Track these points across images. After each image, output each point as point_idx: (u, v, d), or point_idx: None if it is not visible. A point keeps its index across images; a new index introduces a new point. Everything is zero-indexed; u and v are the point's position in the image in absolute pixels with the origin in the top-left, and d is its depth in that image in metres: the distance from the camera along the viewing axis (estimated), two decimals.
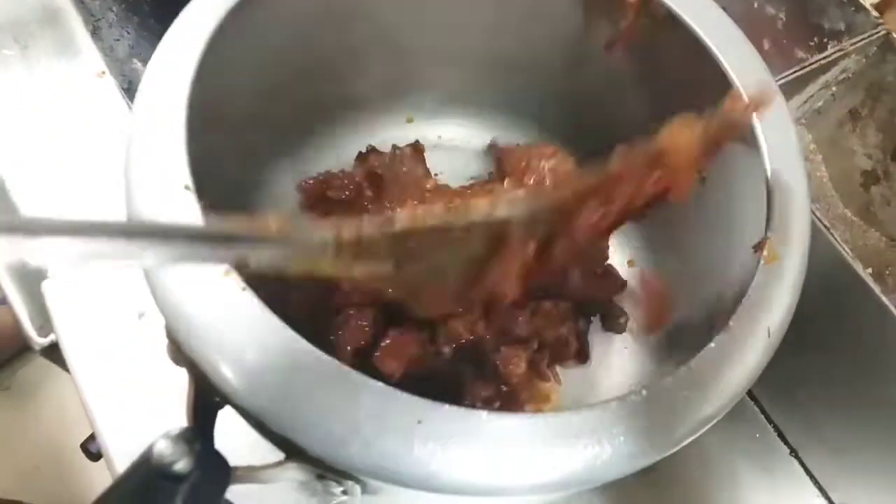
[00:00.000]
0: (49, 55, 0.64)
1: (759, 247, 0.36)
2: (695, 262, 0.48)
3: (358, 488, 0.30)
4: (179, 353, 0.29)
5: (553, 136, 0.58)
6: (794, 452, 0.53)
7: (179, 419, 0.47)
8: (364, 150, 0.55)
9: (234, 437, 0.32)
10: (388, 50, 0.52)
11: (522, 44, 0.52)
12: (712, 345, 0.32)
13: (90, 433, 0.64)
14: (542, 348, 0.48)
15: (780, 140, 0.39)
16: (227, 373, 0.27)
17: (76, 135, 0.60)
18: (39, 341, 0.53)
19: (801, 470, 0.53)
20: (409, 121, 0.59)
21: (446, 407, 0.27)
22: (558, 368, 0.51)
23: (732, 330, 0.33)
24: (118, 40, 0.66)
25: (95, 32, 0.65)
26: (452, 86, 0.57)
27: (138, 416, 0.48)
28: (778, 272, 0.35)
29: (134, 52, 0.65)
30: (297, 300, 0.41)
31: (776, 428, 0.54)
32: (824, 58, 0.52)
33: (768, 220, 0.37)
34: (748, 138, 0.40)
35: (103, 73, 0.63)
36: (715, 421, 0.31)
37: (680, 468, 0.51)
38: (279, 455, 0.30)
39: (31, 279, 0.54)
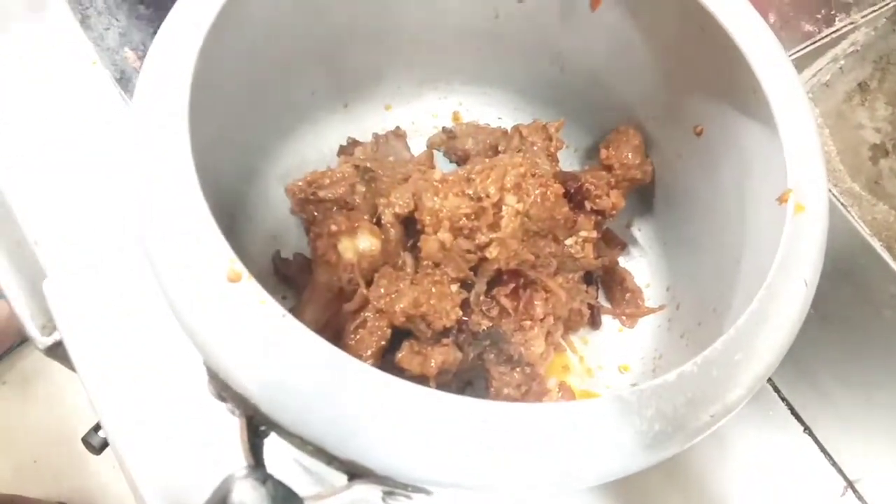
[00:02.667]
0: (38, 46, 0.62)
1: (782, 199, 0.36)
2: (712, 227, 0.48)
3: (423, 495, 0.30)
4: (226, 389, 0.28)
5: (534, 112, 0.58)
6: (807, 429, 0.54)
7: (188, 412, 0.47)
8: (345, 143, 0.53)
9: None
10: (367, 36, 0.51)
11: (498, 19, 0.52)
12: (755, 304, 0.32)
13: (92, 426, 0.63)
14: (556, 322, 0.48)
15: (788, 97, 0.39)
16: (284, 404, 0.27)
17: (69, 125, 0.58)
18: (43, 341, 0.52)
19: (815, 446, 0.53)
20: (388, 108, 0.58)
21: (507, 406, 0.27)
22: (571, 336, 0.51)
23: (772, 286, 0.33)
24: (108, 29, 0.64)
25: (84, 21, 0.63)
26: (429, 68, 0.57)
27: (147, 411, 0.47)
28: (806, 222, 0.35)
29: (125, 40, 0.64)
30: (311, 317, 0.41)
31: (789, 405, 0.54)
32: (834, 31, 0.51)
33: (787, 173, 0.37)
34: (757, 93, 0.39)
35: (94, 62, 0.62)
36: (765, 380, 0.32)
37: (692, 447, 0.51)
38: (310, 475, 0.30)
39: (31, 278, 0.53)
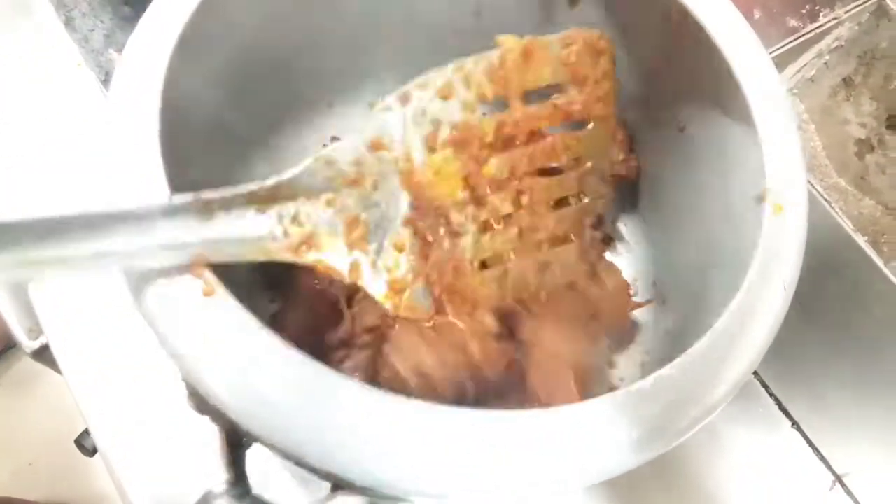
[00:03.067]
0: (21, 47, 0.62)
1: (761, 198, 0.36)
2: (695, 224, 0.47)
3: None
4: (204, 403, 0.28)
5: None
6: (795, 424, 0.54)
7: (175, 414, 0.47)
8: (328, 143, 0.52)
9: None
10: (348, 34, 0.50)
11: (479, 17, 0.51)
12: (734, 306, 0.32)
13: (84, 429, 0.63)
14: None
15: (767, 95, 0.39)
16: (262, 419, 0.26)
17: (54, 128, 0.58)
18: (30, 345, 0.52)
19: (804, 442, 0.53)
20: (372, 106, 0.57)
21: (492, 413, 0.27)
22: None
23: (750, 287, 0.33)
24: (92, 30, 0.64)
25: (69, 23, 0.63)
26: (412, 66, 0.56)
27: (135, 415, 0.47)
28: (784, 222, 0.35)
29: (110, 41, 0.63)
30: (293, 323, 0.41)
31: (777, 400, 0.54)
32: (819, 26, 0.51)
33: (765, 172, 0.37)
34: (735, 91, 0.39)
35: (79, 64, 0.62)
36: (741, 384, 0.31)
37: (679, 444, 0.51)
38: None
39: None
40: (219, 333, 0.28)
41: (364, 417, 0.27)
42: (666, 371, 0.30)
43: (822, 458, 0.53)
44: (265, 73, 0.47)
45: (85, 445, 0.88)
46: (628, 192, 0.55)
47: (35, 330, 0.52)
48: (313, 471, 0.27)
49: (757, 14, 0.55)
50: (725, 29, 0.40)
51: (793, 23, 0.55)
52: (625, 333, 0.50)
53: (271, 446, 0.27)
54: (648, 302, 0.52)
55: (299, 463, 0.27)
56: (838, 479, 0.53)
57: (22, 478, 1.18)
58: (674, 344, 0.46)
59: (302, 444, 0.26)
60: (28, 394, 1.24)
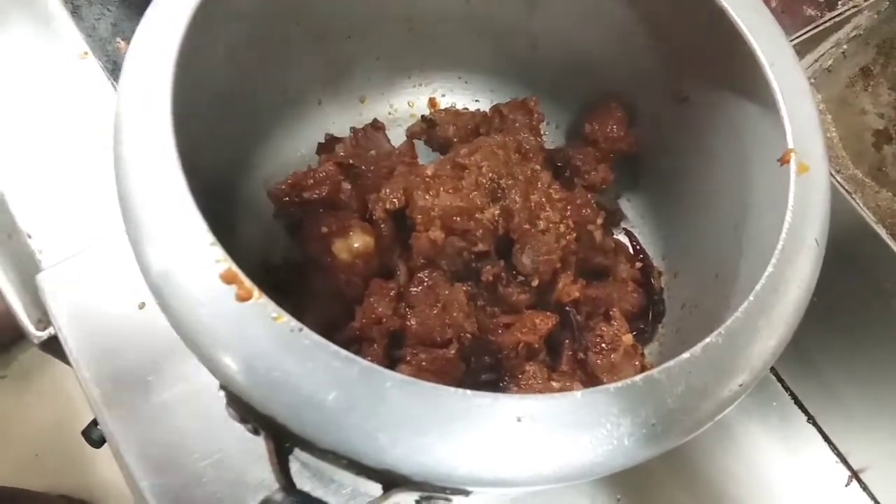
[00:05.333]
0: (28, 37, 0.61)
1: (783, 160, 0.36)
2: (705, 193, 0.48)
3: (461, 497, 0.29)
4: (249, 411, 0.27)
5: (511, 92, 0.58)
6: (811, 419, 0.53)
7: (184, 406, 0.46)
8: (323, 141, 0.52)
9: None
10: (339, 29, 0.50)
11: (469, 3, 0.52)
12: (770, 269, 0.32)
13: (91, 420, 0.63)
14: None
15: (778, 56, 0.39)
16: (314, 422, 0.26)
17: (62, 117, 0.58)
18: (37, 335, 0.52)
19: (819, 436, 0.53)
20: (363, 101, 0.57)
21: (543, 399, 0.27)
22: None
23: (785, 248, 0.33)
24: (99, 19, 0.63)
25: (75, 12, 0.63)
26: (401, 57, 0.56)
27: (144, 405, 0.47)
28: (810, 181, 0.35)
29: (116, 30, 0.63)
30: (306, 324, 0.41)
31: (793, 395, 0.53)
32: (837, 15, 0.50)
33: (787, 134, 0.37)
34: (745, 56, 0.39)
35: (86, 53, 0.61)
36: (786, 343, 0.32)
37: (695, 437, 0.51)
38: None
39: (24, 272, 0.53)
40: (259, 339, 0.27)
41: (414, 410, 0.26)
42: (712, 338, 0.30)
43: (839, 454, 0.52)
44: (256, 74, 0.46)
45: (91, 436, 0.88)
46: (631, 167, 0.55)
47: (43, 320, 0.52)
48: (366, 471, 0.27)
49: (773, 2, 0.54)
50: (748, 18, 0.40)
51: (810, 12, 0.54)
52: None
53: (321, 450, 0.26)
54: (659, 273, 0.51)
55: (351, 464, 0.26)
56: (855, 474, 0.52)
57: (28, 468, 1.18)
58: (694, 317, 0.46)
59: (355, 443, 0.26)
60: (34, 385, 1.24)
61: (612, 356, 0.43)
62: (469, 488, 0.27)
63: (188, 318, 0.28)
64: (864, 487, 0.52)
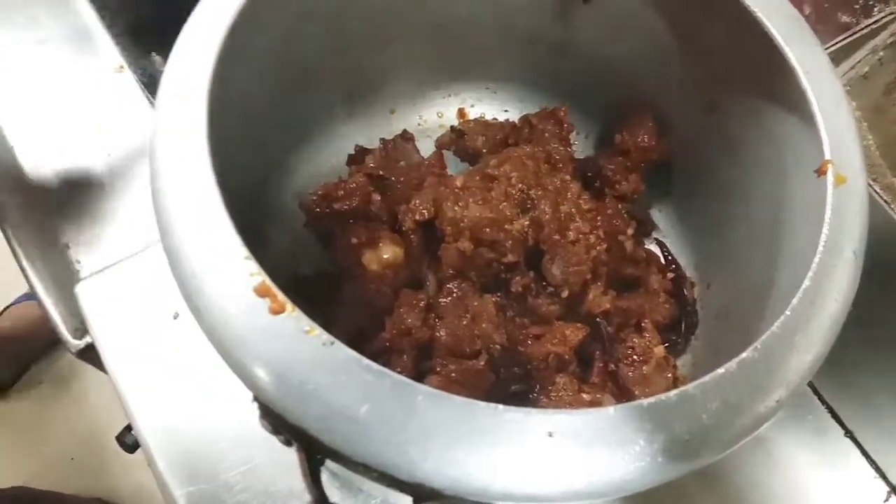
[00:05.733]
0: (65, 52, 0.63)
1: (821, 171, 0.36)
2: (738, 204, 0.47)
3: None
4: (282, 423, 0.27)
5: (540, 101, 0.58)
6: (849, 433, 0.52)
7: (219, 416, 0.47)
8: (353, 152, 0.53)
9: None
10: (370, 42, 0.50)
11: (498, 12, 0.52)
12: (807, 282, 0.32)
13: (125, 425, 0.64)
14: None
15: (813, 65, 0.39)
16: (346, 435, 0.26)
17: (98, 131, 0.59)
18: (75, 343, 0.53)
19: (857, 451, 0.52)
20: (392, 112, 0.57)
21: (575, 414, 0.27)
22: None
23: (822, 261, 0.33)
24: (135, 33, 0.64)
25: (111, 26, 0.64)
26: (430, 69, 0.56)
27: (177, 413, 0.48)
28: (848, 193, 0.35)
29: (152, 44, 0.64)
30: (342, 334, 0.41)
31: (830, 409, 0.52)
32: (874, 22, 0.49)
33: (823, 145, 0.36)
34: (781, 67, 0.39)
35: (121, 67, 0.62)
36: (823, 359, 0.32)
37: (730, 453, 0.50)
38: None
39: (62, 281, 0.54)
40: (292, 352, 0.27)
41: (446, 424, 0.26)
42: (748, 354, 0.30)
43: (878, 469, 0.51)
44: (291, 87, 0.47)
45: (126, 442, 0.89)
46: (661, 177, 0.55)
47: (80, 329, 0.53)
48: (397, 484, 0.27)
49: (807, 10, 0.53)
50: (783, 27, 0.39)
51: (845, 18, 0.53)
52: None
53: (353, 462, 0.27)
54: (692, 284, 0.51)
55: (383, 476, 0.27)
56: (894, 489, 0.51)
57: (64, 472, 1.20)
58: (729, 328, 0.45)
59: (386, 456, 0.26)
60: (71, 391, 1.27)
61: (644, 368, 0.43)
62: (500, 503, 0.27)
63: (223, 331, 0.28)
64: None
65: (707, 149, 0.49)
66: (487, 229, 0.43)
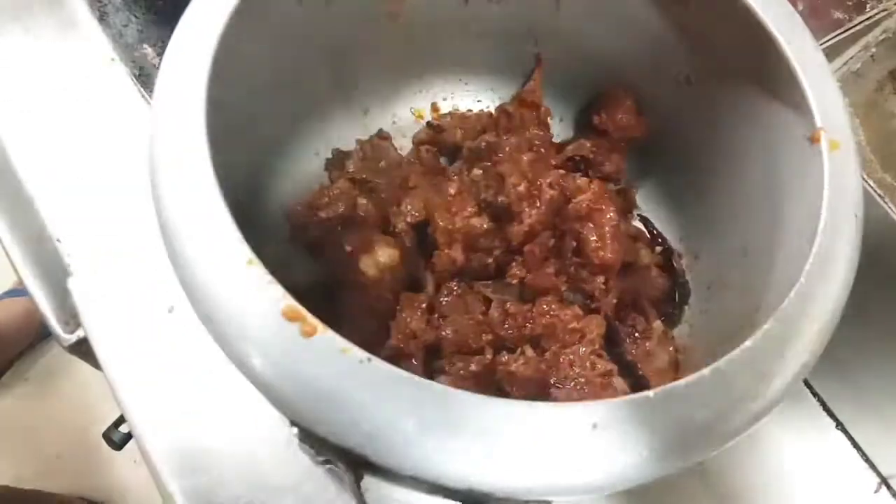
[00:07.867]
0: (55, 43, 0.62)
1: (814, 138, 0.36)
2: (725, 173, 0.48)
3: None
4: (324, 444, 0.27)
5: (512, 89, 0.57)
6: (840, 425, 0.53)
7: (214, 409, 0.47)
8: (330, 156, 0.52)
9: None
10: (344, 45, 0.49)
11: (467, 5, 0.51)
12: (817, 248, 0.33)
13: (112, 422, 0.64)
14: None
15: (794, 34, 0.40)
16: (394, 451, 0.26)
17: (89, 124, 0.58)
18: (66, 338, 0.52)
19: (848, 443, 0.52)
20: (365, 113, 0.56)
21: (612, 405, 0.27)
22: None
23: (828, 224, 0.33)
24: (126, 25, 0.64)
25: (103, 18, 0.63)
26: (402, 66, 0.55)
27: (172, 408, 0.47)
28: (842, 157, 0.36)
29: (143, 36, 0.63)
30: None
31: (821, 401, 0.53)
32: (867, 18, 0.50)
33: (814, 113, 0.37)
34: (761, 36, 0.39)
35: (112, 59, 0.62)
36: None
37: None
38: None
39: (53, 275, 0.53)
40: (330, 373, 0.27)
41: (491, 428, 0.26)
42: (770, 325, 0.31)
43: (868, 460, 0.52)
44: (279, 83, 0.46)
45: (113, 439, 0.89)
46: (642, 154, 0.55)
47: (72, 324, 0.52)
48: (445, 492, 0.27)
49: (800, 6, 0.54)
50: (777, 22, 0.39)
51: (838, 15, 0.53)
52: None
53: (400, 476, 0.26)
54: (679, 255, 0.51)
55: (433, 487, 0.27)
56: (884, 481, 0.52)
57: (49, 470, 1.19)
58: (723, 295, 0.46)
59: (436, 466, 0.26)
60: (55, 388, 1.26)
61: (647, 344, 0.43)
62: (550, 497, 0.27)
63: (261, 367, 0.28)
64: (894, 494, 0.51)
65: (686, 123, 0.50)
66: (482, 239, 0.43)
